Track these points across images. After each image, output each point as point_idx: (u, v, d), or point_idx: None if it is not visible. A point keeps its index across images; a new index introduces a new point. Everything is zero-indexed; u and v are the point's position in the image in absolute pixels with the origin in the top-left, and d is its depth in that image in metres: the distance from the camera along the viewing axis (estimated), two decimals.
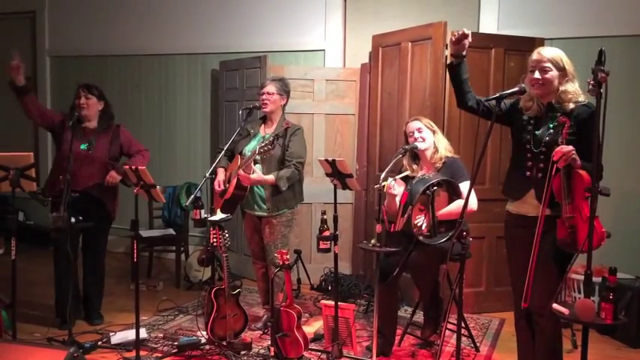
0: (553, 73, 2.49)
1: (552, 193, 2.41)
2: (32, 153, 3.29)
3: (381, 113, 4.63)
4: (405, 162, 3.47)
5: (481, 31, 4.58)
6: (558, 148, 2.31)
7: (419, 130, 3.38)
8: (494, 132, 3.97)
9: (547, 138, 2.50)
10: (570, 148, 2.29)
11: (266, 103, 3.66)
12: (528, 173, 2.58)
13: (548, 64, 2.49)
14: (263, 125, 3.78)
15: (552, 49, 2.60)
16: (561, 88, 2.49)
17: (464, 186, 3.23)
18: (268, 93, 3.66)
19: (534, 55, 2.56)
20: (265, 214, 3.64)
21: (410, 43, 4.31)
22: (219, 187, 3.66)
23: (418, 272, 3.18)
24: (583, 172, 2.27)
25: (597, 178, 2.09)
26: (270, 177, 3.47)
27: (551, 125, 2.52)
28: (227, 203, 3.60)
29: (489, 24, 4.59)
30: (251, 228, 3.81)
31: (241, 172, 3.41)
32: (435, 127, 3.43)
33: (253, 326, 3.75)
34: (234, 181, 3.54)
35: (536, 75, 2.51)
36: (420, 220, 3.19)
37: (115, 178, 3.75)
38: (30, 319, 3.81)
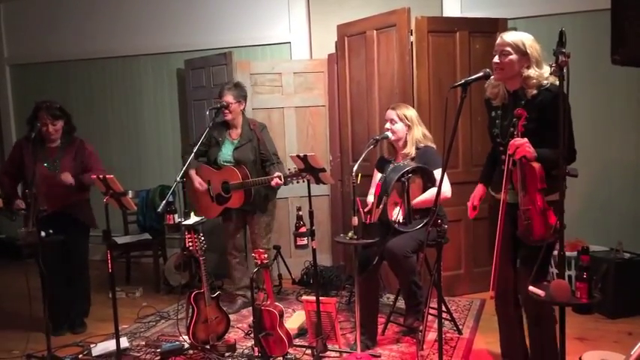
0: (513, 57, 2.44)
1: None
2: None
3: (350, 103, 4.61)
4: (385, 147, 3.56)
5: (445, 14, 4.58)
6: (512, 141, 2.31)
7: (392, 121, 3.40)
8: (465, 115, 4.02)
9: (512, 129, 2.45)
10: (524, 140, 2.28)
11: (226, 113, 3.87)
12: (503, 166, 2.56)
13: (508, 48, 2.45)
14: (229, 131, 3.99)
15: (516, 33, 2.54)
16: (524, 74, 2.45)
17: (437, 173, 3.23)
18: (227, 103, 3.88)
19: (497, 40, 2.53)
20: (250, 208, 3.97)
21: (375, 31, 4.29)
22: (202, 185, 3.95)
23: (395, 261, 3.18)
24: (535, 165, 2.26)
25: (564, 161, 2.08)
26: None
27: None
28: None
29: (453, 7, 4.59)
30: (236, 222, 4.10)
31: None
32: (412, 121, 3.40)
33: (227, 309, 3.68)
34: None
35: (495, 59, 2.48)
36: (396, 210, 3.19)
37: (68, 180, 3.63)
38: (7, 336, 3.72)
